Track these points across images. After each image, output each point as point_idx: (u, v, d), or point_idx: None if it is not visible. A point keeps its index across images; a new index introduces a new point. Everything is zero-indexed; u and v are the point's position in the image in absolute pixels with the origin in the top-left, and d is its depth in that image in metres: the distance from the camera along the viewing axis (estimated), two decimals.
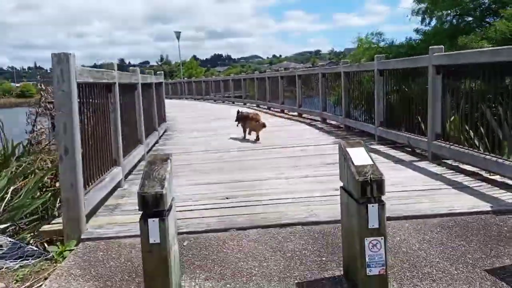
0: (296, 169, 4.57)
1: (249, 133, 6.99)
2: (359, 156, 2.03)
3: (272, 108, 12.96)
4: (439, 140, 4.59)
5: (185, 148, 6.37)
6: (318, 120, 9.08)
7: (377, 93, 5.98)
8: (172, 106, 16.85)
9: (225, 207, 3.37)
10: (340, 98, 7.96)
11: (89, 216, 3.14)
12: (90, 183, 3.19)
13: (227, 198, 3.59)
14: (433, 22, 7.56)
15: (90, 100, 3.37)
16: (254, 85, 14.90)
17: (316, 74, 9.45)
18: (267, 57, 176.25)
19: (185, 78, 31.40)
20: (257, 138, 6.70)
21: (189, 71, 69.59)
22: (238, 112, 7.53)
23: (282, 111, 11.76)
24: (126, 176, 4.47)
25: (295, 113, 10.74)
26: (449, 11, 6.97)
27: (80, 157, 2.89)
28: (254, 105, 14.97)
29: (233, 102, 17.49)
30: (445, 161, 4.57)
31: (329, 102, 8.74)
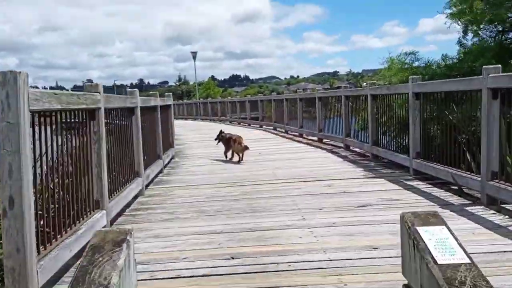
0: (321, 213, 3.75)
1: (232, 156, 7.24)
2: (442, 244, 1.23)
3: (290, 132, 12.18)
4: (496, 180, 3.72)
5: (191, 181, 5.61)
6: (340, 147, 8.24)
7: (412, 119, 5.15)
8: (186, 129, 16.19)
9: (228, 273, 2.56)
10: (366, 123, 7.14)
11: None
12: (51, 242, 2.43)
13: (232, 258, 2.78)
14: (470, 38, 6.71)
15: (58, 130, 2.64)
16: (272, 107, 14.18)
17: (339, 97, 8.67)
18: (285, 78, 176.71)
19: (201, 99, 30.99)
20: (241, 159, 7.01)
21: (206, 91, 69.70)
22: (221, 132, 7.76)
23: (301, 135, 10.96)
24: (114, 220, 3.72)
25: (315, 138, 9.93)
26: (491, 27, 6.14)
27: (32, 209, 2.14)
28: (271, 127, 14.24)
29: (249, 125, 16.79)
30: (504, 205, 3.69)
31: (353, 127, 7.92)
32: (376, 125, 6.60)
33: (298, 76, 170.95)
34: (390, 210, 3.70)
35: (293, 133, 11.78)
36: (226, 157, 7.26)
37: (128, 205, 4.27)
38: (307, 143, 9.38)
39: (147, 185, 5.19)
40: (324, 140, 9.43)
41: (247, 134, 12.78)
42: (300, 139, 10.46)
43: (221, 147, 8.10)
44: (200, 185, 5.27)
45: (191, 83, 47.27)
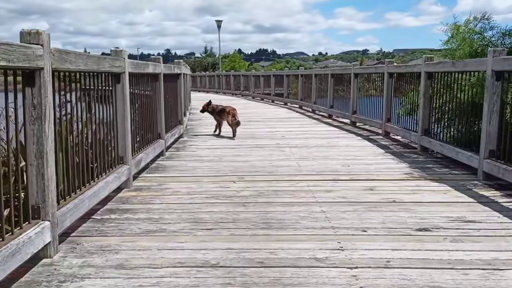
0: (366, 239, 2.57)
1: (219, 130, 6.89)
2: None
3: (317, 112, 10.91)
4: None
5: (195, 170, 4.51)
6: (378, 133, 6.98)
7: (489, 107, 3.85)
8: (204, 102, 14.97)
9: None
10: (414, 107, 5.84)
11: None
12: None
13: None
14: None
15: None
16: (298, 83, 12.88)
17: (380, 74, 7.34)
18: (313, 54, 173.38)
19: (224, 71, 29.73)
20: (233, 134, 6.61)
21: (231, 64, 68.35)
22: (209, 102, 7.26)
23: (330, 117, 9.69)
24: (72, 229, 2.65)
25: (347, 120, 8.66)
26: None
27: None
28: (297, 105, 12.98)
29: (273, 101, 15.55)
30: None
31: (395, 111, 6.63)
32: (429, 111, 5.30)
33: (326, 53, 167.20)
34: (471, 242, 2.50)
35: (321, 113, 10.52)
36: (217, 131, 6.93)
37: (104, 203, 3.20)
38: (338, 126, 8.12)
39: (138, 173, 4.12)
40: (358, 124, 8.17)
41: (271, 112, 11.57)
42: (330, 121, 9.20)
43: (241, 125, 7.05)
44: (204, 177, 4.15)
45: (217, 55, 45.96)
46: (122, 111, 3.64)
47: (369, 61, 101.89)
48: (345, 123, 8.54)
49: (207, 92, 25.74)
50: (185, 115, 7.78)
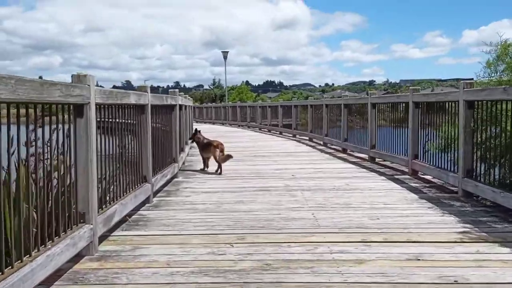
0: None
1: (206, 166, 6.42)
2: None
3: (329, 145, 10.01)
4: None
5: (183, 225, 3.57)
6: (404, 172, 6.02)
7: None
8: (208, 135, 13.91)
9: None
10: (448, 142, 4.93)
11: None
12: None
13: None
14: None
15: None
16: (308, 114, 12.03)
17: (404, 104, 6.46)
18: (319, 85, 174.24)
19: (230, 103, 29.15)
20: (220, 171, 6.07)
21: (239, 95, 68.28)
22: (196, 131, 6.77)
23: (344, 151, 8.77)
24: None
25: (363, 155, 7.73)
26: None
27: None
28: (306, 138, 12.10)
29: (281, 133, 14.70)
30: None
31: (423, 145, 5.70)
32: (471, 147, 4.37)
33: (333, 84, 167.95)
34: None
35: (333, 147, 9.61)
36: (204, 167, 6.42)
37: (49, 281, 2.27)
38: (356, 163, 7.17)
39: (110, 230, 3.19)
40: (377, 160, 7.23)
41: (278, 145, 10.65)
42: (344, 155, 8.27)
43: (245, 160, 6.16)
44: (194, 236, 3.21)
45: (224, 87, 45.69)
46: (85, 152, 2.76)
47: (377, 91, 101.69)
48: (363, 159, 7.60)
49: (213, 123, 25.05)
50: (183, 150, 6.92)
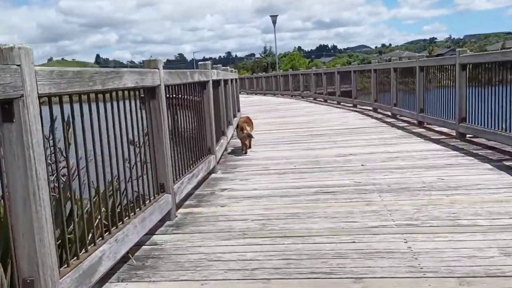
0: None
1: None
2: None
3: (399, 116, 8.43)
4: None
5: (205, 270, 2.40)
6: (508, 153, 4.46)
7: None
8: (256, 108, 12.46)
9: None
10: None
11: None
12: None
13: None
14: None
15: None
16: (371, 81, 10.38)
17: (505, 63, 4.80)
18: (375, 47, 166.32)
19: (281, 71, 27.53)
20: (247, 148, 5.71)
21: (291, 62, 66.13)
22: None
23: (420, 124, 7.19)
24: None
25: (449, 131, 6.15)
26: None
27: None
28: (369, 108, 10.52)
29: (339, 103, 13.13)
30: None
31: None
32: None
33: (390, 45, 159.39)
34: None
35: (405, 118, 8.02)
36: (242, 149, 5.74)
37: None
38: (440, 141, 5.64)
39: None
40: (468, 136, 5.65)
41: (337, 119, 9.13)
42: (422, 131, 6.71)
43: (299, 142, 4.97)
44: (224, 278, 2.04)
45: (275, 54, 43.90)
46: (21, 173, 1.62)
47: (439, 49, 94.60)
48: (448, 135, 6.03)
49: (264, 94, 23.78)
50: (223, 134, 5.76)
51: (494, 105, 5.07)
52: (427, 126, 7.03)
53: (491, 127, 5.08)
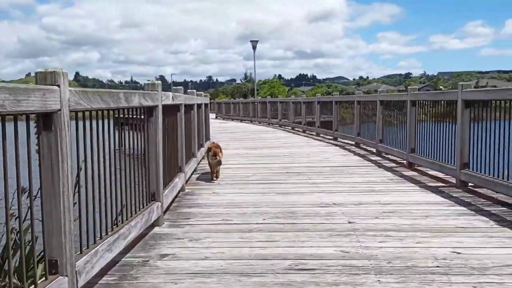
0: None
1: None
2: None
3: (384, 154, 7.57)
4: None
5: None
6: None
7: None
8: (231, 136, 11.33)
9: None
10: None
11: None
12: None
13: None
14: None
15: None
16: (354, 113, 9.55)
17: None
18: (353, 79, 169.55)
19: (259, 98, 26.78)
20: (216, 176, 5.61)
21: (271, 89, 65.95)
22: None
23: (411, 166, 6.31)
24: None
25: (446, 177, 5.28)
26: None
27: None
28: (351, 142, 9.67)
29: (318, 134, 12.28)
30: None
31: None
32: None
33: (368, 77, 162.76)
34: None
35: (392, 157, 7.16)
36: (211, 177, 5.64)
37: None
38: (439, 191, 4.72)
39: None
40: (470, 185, 4.77)
41: (317, 155, 8.00)
42: (414, 174, 5.81)
43: (273, 183, 4.01)
44: None
45: (254, 79, 43.26)
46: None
47: (415, 84, 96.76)
48: (448, 182, 5.14)
49: (241, 120, 22.87)
50: (180, 171, 4.70)
51: (505, 152, 4.21)
52: (419, 168, 6.16)
53: (503, 178, 4.20)
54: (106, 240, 2.48)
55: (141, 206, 3.22)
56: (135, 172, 3.16)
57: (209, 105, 9.69)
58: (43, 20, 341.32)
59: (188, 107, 5.72)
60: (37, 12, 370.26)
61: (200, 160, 6.94)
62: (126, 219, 2.89)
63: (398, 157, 6.95)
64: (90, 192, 2.46)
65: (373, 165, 6.78)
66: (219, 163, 5.59)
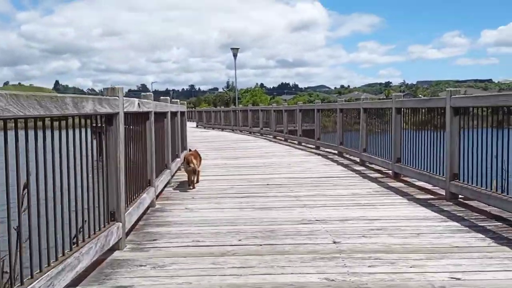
0: None
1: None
2: None
3: (368, 163, 7.29)
4: None
5: None
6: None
7: None
8: (209, 146, 10.74)
9: None
10: None
11: None
12: None
13: None
14: None
15: None
16: (337, 121, 9.28)
17: None
18: (335, 88, 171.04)
19: (240, 106, 26.45)
20: (193, 184, 5.47)
21: (253, 98, 65.73)
22: None
23: (397, 176, 6.02)
24: None
25: (434, 187, 4.99)
26: None
27: None
28: (334, 151, 9.39)
29: (300, 143, 11.97)
30: None
31: None
32: None
33: (349, 86, 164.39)
34: None
35: (377, 167, 6.87)
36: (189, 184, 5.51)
37: None
38: (429, 203, 4.41)
39: None
40: (461, 198, 4.48)
41: (299, 165, 7.52)
42: (401, 186, 5.50)
43: (251, 197, 3.66)
44: None
45: (235, 87, 42.98)
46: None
47: (395, 93, 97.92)
48: (434, 193, 4.85)
49: (222, 129, 22.45)
50: (149, 185, 4.28)
51: (499, 163, 3.94)
52: (404, 178, 5.88)
53: (496, 190, 3.92)
54: (46, 275, 2.06)
55: (98, 228, 2.80)
56: (91, 189, 2.74)
57: (186, 113, 9.27)
58: (22, 28, 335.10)
59: (160, 115, 5.32)
60: (16, 19, 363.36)
61: (176, 172, 6.52)
62: (76, 245, 2.47)
63: (383, 167, 6.66)
64: (34, 213, 2.06)
65: (358, 175, 6.47)
66: (194, 171, 5.46)
